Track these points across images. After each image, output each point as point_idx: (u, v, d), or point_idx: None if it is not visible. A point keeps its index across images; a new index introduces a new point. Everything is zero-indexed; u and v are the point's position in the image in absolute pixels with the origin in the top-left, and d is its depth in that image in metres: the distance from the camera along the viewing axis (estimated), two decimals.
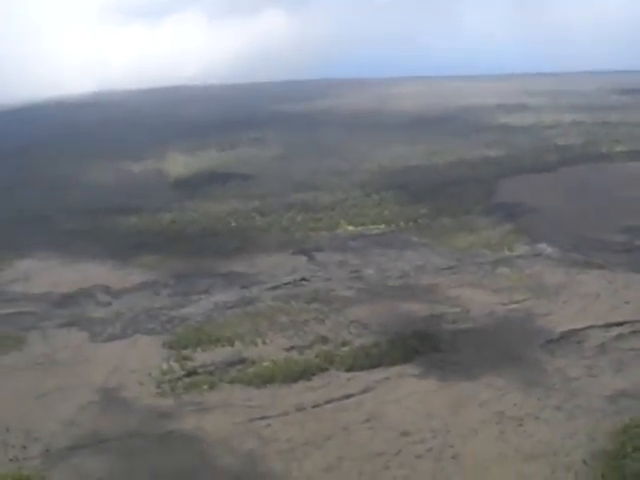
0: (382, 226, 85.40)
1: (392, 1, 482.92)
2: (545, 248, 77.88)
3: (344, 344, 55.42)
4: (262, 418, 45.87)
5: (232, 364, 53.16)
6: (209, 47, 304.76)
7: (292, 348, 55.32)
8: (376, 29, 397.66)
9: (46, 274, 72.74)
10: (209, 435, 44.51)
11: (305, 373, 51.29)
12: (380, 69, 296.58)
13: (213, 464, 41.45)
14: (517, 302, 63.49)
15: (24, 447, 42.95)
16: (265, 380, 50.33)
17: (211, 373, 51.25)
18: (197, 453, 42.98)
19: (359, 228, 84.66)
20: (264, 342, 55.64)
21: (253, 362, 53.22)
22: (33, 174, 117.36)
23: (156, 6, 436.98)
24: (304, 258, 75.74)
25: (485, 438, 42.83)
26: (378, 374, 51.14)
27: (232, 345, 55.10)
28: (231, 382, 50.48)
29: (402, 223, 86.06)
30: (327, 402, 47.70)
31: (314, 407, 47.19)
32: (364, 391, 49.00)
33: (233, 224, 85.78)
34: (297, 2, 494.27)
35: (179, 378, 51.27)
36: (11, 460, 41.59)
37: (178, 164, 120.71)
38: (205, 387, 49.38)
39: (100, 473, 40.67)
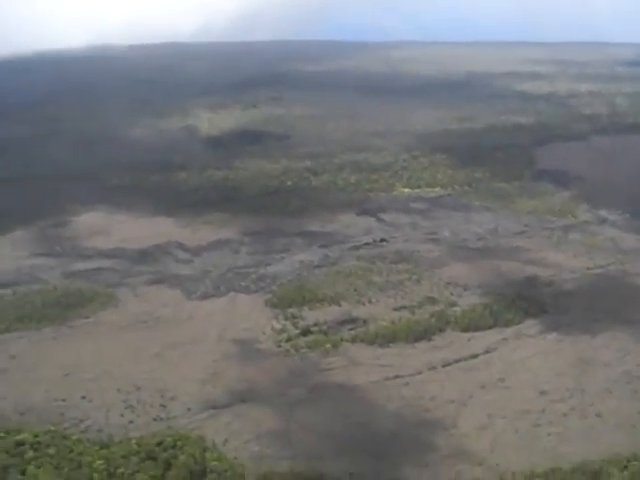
0: (437, 189, 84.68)
1: None
2: (607, 215, 77.36)
3: (452, 304, 54.59)
4: (397, 377, 45.22)
5: (343, 323, 52.19)
6: (206, 4, 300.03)
7: (401, 308, 54.13)
8: None
9: (114, 230, 71.50)
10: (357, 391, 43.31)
11: (426, 333, 50.44)
12: (371, 33, 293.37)
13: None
14: (602, 266, 63.24)
15: (163, 406, 41.41)
16: (388, 339, 49.59)
17: (325, 332, 50.25)
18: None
19: (416, 190, 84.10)
20: (370, 302, 54.40)
21: (365, 321, 52.25)
22: (60, 128, 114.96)
23: None
24: (371, 219, 74.61)
25: (621, 396, 43.07)
26: (496, 335, 50.88)
27: (339, 304, 53.68)
28: (353, 341, 49.16)
29: (457, 186, 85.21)
30: (456, 361, 47.30)
31: (444, 366, 46.85)
32: (487, 351, 48.67)
33: (289, 183, 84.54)
34: None
35: (295, 336, 49.03)
36: (155, 420, 40.15)
37: (206, 121, 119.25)
38: (328, 346, 47.58)
39: (259, 428, 39.94)
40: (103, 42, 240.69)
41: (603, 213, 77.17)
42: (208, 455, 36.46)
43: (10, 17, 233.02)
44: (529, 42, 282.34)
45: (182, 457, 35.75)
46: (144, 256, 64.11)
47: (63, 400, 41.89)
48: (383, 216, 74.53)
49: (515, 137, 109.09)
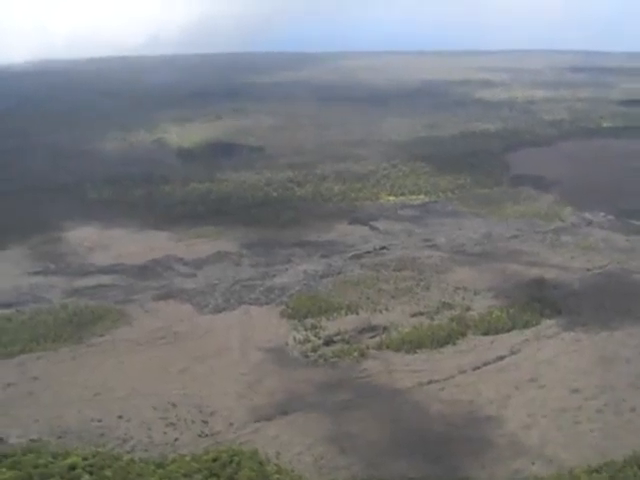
0: (421, 196, 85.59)
1: None
2: (592, 217, 79.49)
3: (468, 309, 54.92)
4: (431, 382, 45.49)
5: (363, 331, 52.33)
6: (154, 16, 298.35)
7: (419, 314, 54.42)
8: (312, 3, 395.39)
9: (108, 245, 70.70)
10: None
11: (449, 338, 50.85)
12: (312, 43, 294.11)
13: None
14: (601, 266, 64.60)
15: (205, 422, 40.99)
16: (414, 346, 49.89)
17: (348, 341, 50.39)
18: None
19: (400, 198, 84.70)
20: (386, 309, 54.40)
21: (385, 329, 52.35)
22: (28, 142, 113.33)
23: None
24: (364, 227, 74.98)
25: None
26: (516, 336, 51.65)
27: (356, 313, 53.87)
28: (379, 349, 49.00)
29: (441, 193, 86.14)
30: (484, 364, 47.73)
31: (474, 370, 47.18)
32: (512, 353, 49.33)
33: (274, 194, 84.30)
34: None
35: (319, 346, 49.00)
36: (200, 436, 39.56)
37: (174, 134, 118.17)
38: (356, 354, 47.49)
39: (308, 438, 39.64)
40: (47, 57, 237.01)
41: (588, 215, 79.02)
42: (268, 469, 35.29)
43: None
44: (475, 51, 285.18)
45: (244, 473, 34.86)
46: (145, 271, 63.27)
47: (99, 421, 41.09)
48: (375, 224, 74.88)
49: (486, 144, 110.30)
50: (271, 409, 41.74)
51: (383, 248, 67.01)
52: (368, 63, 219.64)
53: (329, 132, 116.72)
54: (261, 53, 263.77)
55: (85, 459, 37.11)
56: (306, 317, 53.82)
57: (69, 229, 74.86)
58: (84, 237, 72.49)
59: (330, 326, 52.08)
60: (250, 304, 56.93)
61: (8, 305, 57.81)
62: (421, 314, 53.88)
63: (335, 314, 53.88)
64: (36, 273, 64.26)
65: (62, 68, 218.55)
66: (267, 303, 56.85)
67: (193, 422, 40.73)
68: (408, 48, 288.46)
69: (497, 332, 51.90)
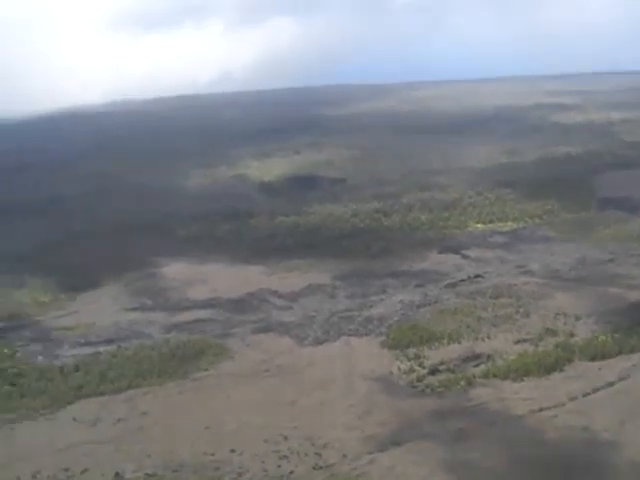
0: (510, 223, 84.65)
1: (387, 7, 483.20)
2: None
3: (571, 335, 54.00)
4: (542, 409, 44.38)
5: (467, 360, 51.62)
6: (222, 56, 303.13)
7: (522, 341, 53.79)
8: (373, 35, 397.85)
9: (201, 280, 71.44)
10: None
11: (556, 364, 49.75)
12: (380, 75, 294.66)
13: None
14: None
15: (318, 454, 40.48)
16: (521, 373, 48.85)
17: (452, 370, 49.86)
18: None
19: (489, 225, 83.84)
20: (488, 337, 53.72)
21: (489, 357, 51.61)
22: (111, 182, 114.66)
23: (169, 17, 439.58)
24: (456, 256, 74.40)
25: None
26: (624, 362, 50.08)
27: (458, 342, 53.47)
28: (485, 377, 47.93)
29: (529, 220, 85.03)
30: (594, 391, 46.34)
31: (585, 396, 45.93)
32: (622, 378, 47.66)
33: (362, 225, 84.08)
34: (304, 10, 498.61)
35: (425, 376, 48.68)
36: (315, 468, 39.31)
37: (255, 169, 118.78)
38: (463, 383, 46.97)
39: (425, 469, 38.88)
40: (120, 97, 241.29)
41: None
42: None
43: (27, 76, 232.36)
44: (541, 75, 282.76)
45: None
46: (241, 305, 63.67)
47: (212, 454, 41.06)
48: (467, 252, 74.41)
49: (568, 168, 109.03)
50: (383, 439, 41.25)
51: (478, 276, 66.42)
52: (438, 92, 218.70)
53: (409, 162, 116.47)
54: (329, 86, 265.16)
55: None
56: (408, 347, 53.40)
57: (162, 265, 75.57)
58: (178, 273, 72.95)
59: (433, 355, 51.66)
60: (350, 335, 56.63)
61: (110, 341, 58.53)
62: (524, 341, 53.02)
63: (437, 343, 53.49)
64: (134, 309, 64.91)
65: (136, 108, 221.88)
66: (367, 334, 56.57)
67: (306, 454, 40.37)
68: (474, 76, 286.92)
69: (604, 358, 50.41)
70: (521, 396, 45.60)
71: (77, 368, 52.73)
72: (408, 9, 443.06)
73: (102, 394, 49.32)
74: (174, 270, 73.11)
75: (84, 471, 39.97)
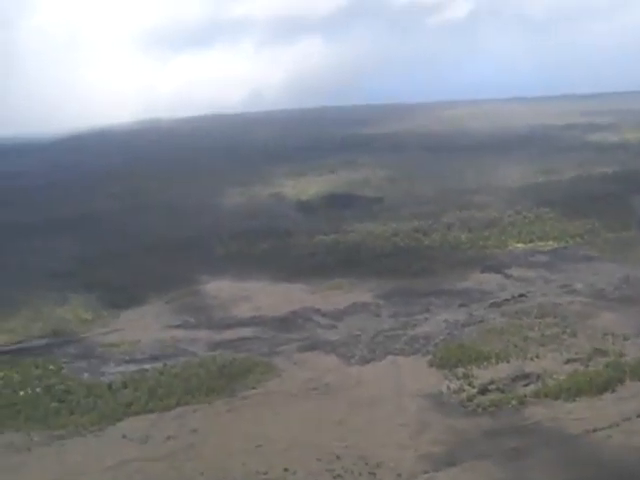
0: (550, 242, 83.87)
1: (416, 27, 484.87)
2: None
3: (621, 355, 53.10)
4: (597, 429, 44.02)
5: (516, 380, 51.31)
6: (252, 75, 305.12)
7: (571, 361, 53.33)
8: (403, 54, 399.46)
9: (244, 298, 71.60)
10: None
11: (607, 385, 49.25)
12: (410, 94, 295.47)
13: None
14: None
15: (372, 474, 40.65)
16: (572, 393, 48.40)
17: (502, 390, 49.46)
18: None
19: (529, 245, 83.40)
20: (537, 357, 53.57)
21: (538, 376, 51.24)
22: (147, 200, 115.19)
23: (200, 37, 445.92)
24: (498, 275, 73.75)
25: None
26: None
27: (507, 361, 53.11)
28: (536, 397, 47.38)
29: (570, 239, 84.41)
30: None
31: (639, 417, 45.14)
32: None
33: (402, 244, 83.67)
34: (334, 31, 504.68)
35: (474, 395, 48.17)
36: None
37: (290, 188, 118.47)
38: (514, 403, 46.50)
39: None
40: (151, 116, 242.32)
41: None
42: None
43: (61, 97, 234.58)
44: (571, 95, 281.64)
45: None
46: (285, 323, 63.62)
47: (265, 473, 41.12)
48: (509, 272, 73.96)
49: (606, 187, 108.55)
50: (438, 459, 41.06)
51: (521, 295, 66.09)
52: (470, 112, 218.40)
53: (446, 181, 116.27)
54: (360, 105, 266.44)
55: None
56: (456, 366, 53.10)
57: (203, 283, 75.82)
58: (220, 290, 73.17)
59: (482, 375, 51.41)
60: (396, 354, 56.54)
61: (155, 358, 58.63)
62: (574, 361, 52.67)
63: (485, 363, 53.24)
64: (177, 327, 65.06)
65: (166, 127, 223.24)
66: (413, 353, 56.33)
67: (360, 474, 40.41)
68: (504, 95, 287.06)
69: None
70: (574, 416, 45.13)
71: (125, 385, 52.55)
72: (440, 29, 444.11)
73: (151, 411, 49.21)
74: (216, 288, 73.02)
75: None
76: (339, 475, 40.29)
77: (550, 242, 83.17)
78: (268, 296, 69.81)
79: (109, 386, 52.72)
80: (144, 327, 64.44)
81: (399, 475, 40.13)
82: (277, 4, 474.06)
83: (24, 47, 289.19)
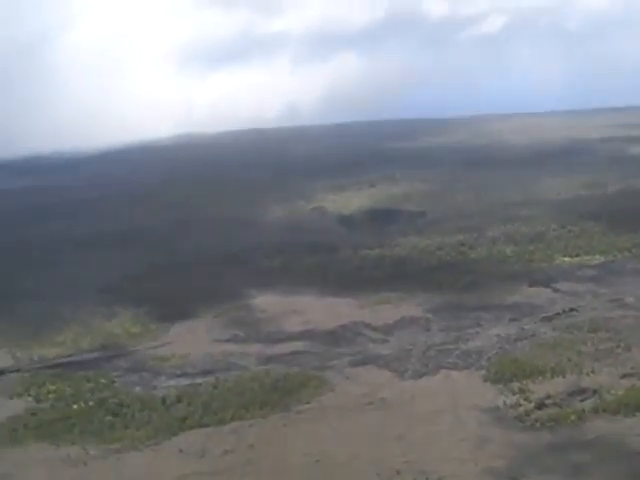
0: (597, 256, 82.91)
1: (450, 41, 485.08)
2: None
3: None
4: None
5: (573, 394, 51.07)
6: (289, 90, 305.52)
7: (627, 376, 52.91)
8: (437, 68, 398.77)
9: (293, 312, 71.69)
10: None
11: None
12: (445, 109, 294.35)
13: None
14: None
15: None
16: (632, 409, 48.03)
17: (559, 405, 49.18)
18: None
19: (576, 259, 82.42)
20: (592, 371, 53.00)
21: (595, 391, 51.18)
22: (190, 214, 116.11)
23: (237, 52, 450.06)
24: (547, 289, 73.22)
25: None
26: None
27: (562, 376, 52.59)
28: (595, 412, 47.45)
29: (617, 253, 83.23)
30: None
31: None
32: None
33: (448, 258, 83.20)
34: (369, 45, 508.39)
35: (532, 410, 47.71)
36: None
37: (332, 202, 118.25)
38: (573, 418, 46.07)
39: None
40: (188, 130, 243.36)
41: None
42: None
43: (101, 111, 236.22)
44: (606, 108, 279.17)
45: None
46: (335, 337, 63.61)
47: None
48: (557, 286, 73.53)
49: None
50: (500, 473, 41.09)
51: (572, 310, 65.80)
52: (507, 125, 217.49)
53: (487, 195, 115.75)
54: (395, 120, 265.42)
55: None
56: (511, 381, 52.89)
57: (251, 297, 75.95)
58: (268, 304, 73.29)
59: (538, 389, 51.25)
60: (449, 369, 56.33)
61: (206, 372, 58.82)
62: (631, 376, 52.20)
63: (540, 377, 53.11)
64: (227, 341, 65.29)
65: (205, 141, 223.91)
66: (466, 367, 56.11)
67: None
68: (538, 108, 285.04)
69: None
70: (636, 432, 44.60)
71: (179, 399, 52.79)
72: (473, 43, 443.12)
73: (206, 425, 49.31)
74: (264, 301, 73.19)
75: None
76: None
77: (597, 256, 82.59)
78: (316, 310, 69.67)
79: (163, 400, 52.73)
80: (193, 341, 64.47)
81: None
82: (313, 20, 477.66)
83: (65, 62, 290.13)
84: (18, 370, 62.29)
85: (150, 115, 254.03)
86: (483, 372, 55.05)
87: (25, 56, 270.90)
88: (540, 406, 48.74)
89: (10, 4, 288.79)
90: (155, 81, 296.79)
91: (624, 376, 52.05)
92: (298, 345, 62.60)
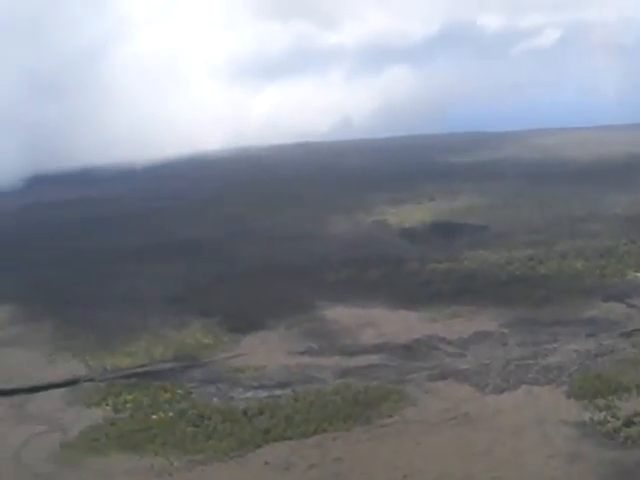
0: None
1: (503, 54, 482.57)
2: None
3: None
4: None
5: None
6: (341, 104, 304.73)
7: None
8: (485, 83, 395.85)
9: (364, 325, 71.26)
10: None
11: None
12: (494, 122, 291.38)
13: None
14: None
15: None
16: None
17: None
18: None
19: None
20: None
21: None
22: (248, 227, 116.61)
23: (290, 66, 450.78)
24: (621, 305, 71.80)
25: None
26: None
27: None
28: None
29: None
30: None
31: None
32: None
33: (517, 272, 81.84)
34: (422, 59, 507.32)
35: (619, 428, 46.73)
36: None
37: (393, 216, 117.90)
38: None
39: None
40: (240, 144, 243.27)
41: None
42: None
43: (149, 122, 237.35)
44: None
45: None
46: (411, 351, 63.41)
47: None
48: (631, 301, 72.43)
49: None
50: None
51: None
52: (561, 139, 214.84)
53: (551, 209, 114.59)
54: (450, 133, 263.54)
55: None
56: (595, 397, 52.48)
57: (321, 309, 75.62)
58: (339, 316, 72.83)
59: (625, 406, 50.83)
60: (530, 384, 56.02)
61: (283, 385, 58.79)
62: None
63: (626, 394, 52.24)
64: (301, 353, 65.21)
65: (257, 154, 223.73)
66: (548, 383, 55.67)
67: None
68: (592, 122, 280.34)
69: None
70: None
71: (261, 411, 52.17)
72: (527, 56, 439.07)
73: (289, 438, 49.22)
74: (335, 314, 73.23)
75: None
76: None
77: None
78: (389, 323, 69.63)
79: (244, 412, 52.74)
80: (267, 353, 64.48)
81: None
82: (367, 33, 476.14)
83: (117, 75, 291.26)
84: (92, 379, 61.63)
85: (204, 127, 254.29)
86: (565, 388, 54.60)
87: (81, 67, 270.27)
88: (628, 423, 48.36)
89: (67, 16, 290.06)
90: (210, 93, 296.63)
91: None
92: (374, 358, 62.41)
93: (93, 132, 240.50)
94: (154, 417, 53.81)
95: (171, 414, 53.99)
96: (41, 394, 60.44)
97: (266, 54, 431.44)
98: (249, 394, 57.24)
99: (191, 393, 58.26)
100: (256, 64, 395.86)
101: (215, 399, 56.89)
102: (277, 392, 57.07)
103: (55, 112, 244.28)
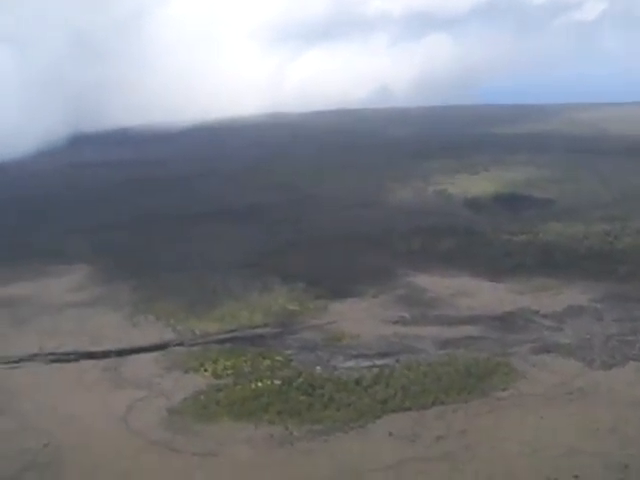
0: None
1: (544, 27, 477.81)
2: None
3: None
4: None
5: None
6: (381, 71, 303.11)
7: None
8: (525, 55, 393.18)
9: (451, 295, 70.57)
10: None
11: None
12: (533, 95, 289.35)
13: None
14: None
15: None
16: None
17: None
18: None
19: None
20: None
21: None
22: (299, 193, 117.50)
23: (332, 30, 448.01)
24: None
25: None
26: None
27: None
28: None
29: None
30: None
31: None
32: None
33: (595, 247, 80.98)
34: (463, 29, 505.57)
35: None
36: None
37: (452, 186, 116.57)
38: None
39: None
40: (278, 109, 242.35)
41: None
42: None
43: (188, 85, 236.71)
44: None
45: None
46: (506, 323, 63.50)
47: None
48: None
49: None
50: None
51: None
52: (604, 114, 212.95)
53: (614, 184, 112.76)
54: (487, 105, 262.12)
55: None
56: None
57: (405, 277, 74.57)
58: (426, 285, 72.42)
59: None
60: (637, 360, 54.88)
61: (384, 354, 58.61)
62: None
63: None
64: (395, 322, 64.30)
65: (294, 120, 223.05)
66: None
67: None
68: (631, 98, 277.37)
69: None
70: None
71: (376, 381, 51.54)
72: (568, 29, 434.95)
73: (408, 409, 48.98)
74: (422, 282, 72.58)
75: None
76: None
77: None
78: (479, 294, 69.88)
79: (357, 381, 51.81)
80: (359, 321, 64.44)
81: None
82: (412, 1, 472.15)
83: (157, 37, 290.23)
84: (182, 344, 60.87)
85: (241, 91, 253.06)
86: None
87: (122, 29, 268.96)
88: None
89: None
90: (249, 57, 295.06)
91: None
92: (471, 329, 62.55)
93: (130, 94, 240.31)
94: (259, 384, 52.81)
95: (277, 382, 52.81)
96: (132, 357, 60.20)
97: (308, 19, 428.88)
98: (351, 363, 56.94)
99: (291, 360, 57.36)
100: (296, 28, 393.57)
101: (318, 367, 56.03)
102: (379, 362, 55.77)
103: (95, 73, 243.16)
